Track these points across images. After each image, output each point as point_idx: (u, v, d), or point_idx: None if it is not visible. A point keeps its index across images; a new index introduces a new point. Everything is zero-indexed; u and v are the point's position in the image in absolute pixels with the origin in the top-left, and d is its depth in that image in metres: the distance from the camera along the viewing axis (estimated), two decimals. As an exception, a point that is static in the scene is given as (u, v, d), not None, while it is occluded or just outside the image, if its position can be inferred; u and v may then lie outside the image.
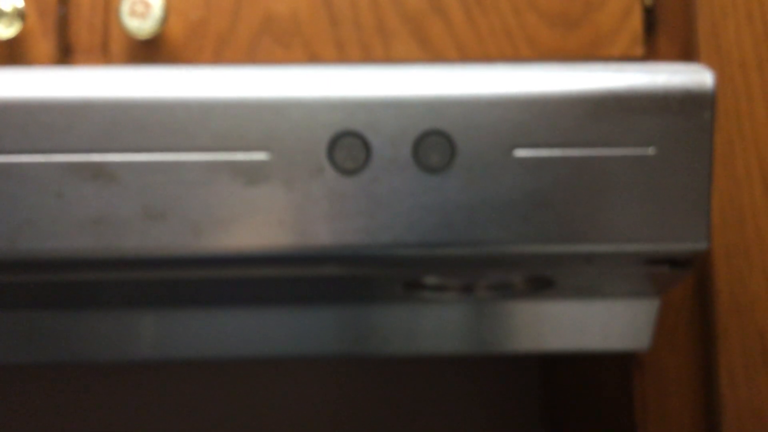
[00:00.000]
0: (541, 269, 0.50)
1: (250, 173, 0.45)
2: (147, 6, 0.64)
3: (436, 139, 0.46)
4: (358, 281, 0.52)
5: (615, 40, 0.67)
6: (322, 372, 0.97)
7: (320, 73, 0.46)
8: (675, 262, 0.50)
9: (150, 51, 0.67)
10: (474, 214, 0.46)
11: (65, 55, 0.67)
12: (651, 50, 0.68)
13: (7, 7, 0.63)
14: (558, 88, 0.46)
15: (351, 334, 0.63)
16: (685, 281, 0.62)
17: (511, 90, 0.46)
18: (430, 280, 0.54)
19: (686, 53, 0.68)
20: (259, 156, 0.45)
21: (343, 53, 0.66)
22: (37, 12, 0.66)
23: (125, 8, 0.64)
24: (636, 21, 0.67)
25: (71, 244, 0.44)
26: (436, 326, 0.63)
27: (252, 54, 0.66)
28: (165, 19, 0.64)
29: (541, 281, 0.55)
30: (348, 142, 0.45)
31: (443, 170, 0.46)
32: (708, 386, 0.66)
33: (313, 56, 0.67)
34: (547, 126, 0.46)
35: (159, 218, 0.44)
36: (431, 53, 0.66)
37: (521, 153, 0.46)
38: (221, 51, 0.66)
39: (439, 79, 0.46)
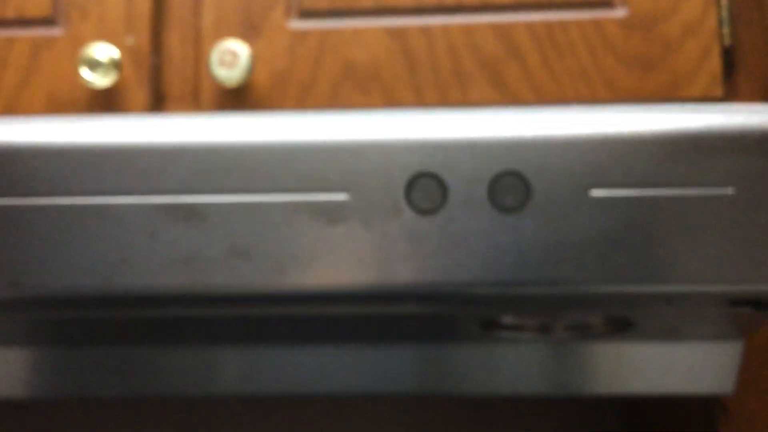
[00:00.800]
0: (619, 310, 0.50)
1: (330, 213, 0.46)
2: (235, 56, 0.67)
3: (511, 180, 0.46)
4: (436, 321, 0.53)
5: (693, 81, 0.67)
6: (401, 410, 0.98)
7: (397, 117, 0.47)
8: (757, 303, 0.49)
9: (238, 99, 0.70)
10: (549, 253, 0.46)
11: (158, 103, 0.71)
12: (730, 91, 0.67)
13: (104, 58, 0.67)
14: (633, 128, 0.47)
15: (430, 373, 0.64)
16: (770, 324, 0.61)
17: (585, 130, 0.47)
18: (508, 319, 0.54)
19: (767, 93, 0.67)
20: (339, 197, 0.46)
21: (420, 98, 0.68)
22: (133, 63, 0.70)
23: (215, 58, 0.67)
24: (715, 62, 0.67)
25: (163, 281, 0.47)
26: (515, 366, 0.64)
27: (333, 100, 0.69)
28: (251, 69, 0.67)
29: (621, 322, 0.55)
30: (425, 183, 0.46)
31: (518, 210, 0.46)
32: (797, 432, 0.64)
33: (391, 101, 0.69)
34: (623, 166, 0.46)
35: (244, 257, 0.46)
36: (507, 97, 0.68)
37: (597, 193, 0.46)
38: (304, 98, 0.69)
39: (513, 120, 0.47)
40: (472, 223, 0.46)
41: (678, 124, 0.46)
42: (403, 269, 0.46)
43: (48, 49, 0.70)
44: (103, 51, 0.67)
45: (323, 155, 0.46)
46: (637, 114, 0.47)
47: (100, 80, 0.67)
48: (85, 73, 0.67)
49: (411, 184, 0.47)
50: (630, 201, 0.46)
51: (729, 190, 0.46)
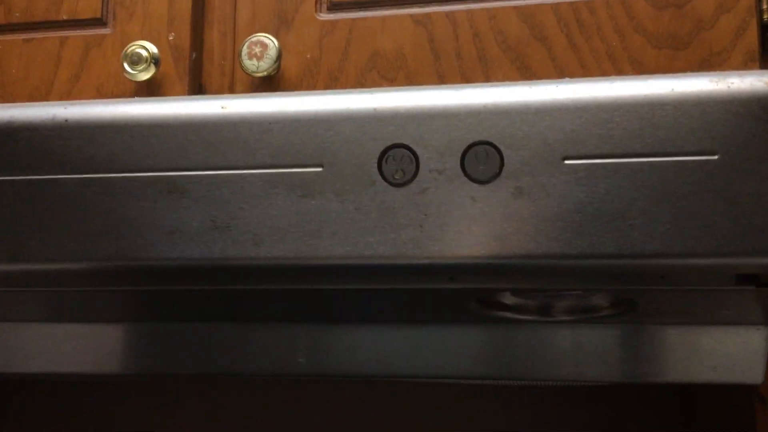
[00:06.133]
0: (617, 290, 0.48)
1: (305, 186, 0.47)
2: (264, 47, 0.70)
3: (484, 151, 0.46)
4: (423, 296, 0.52)
5: (728, 59, 0.64)
6: (463, 394, 0.97)
7: (371, 93, 0.48)
8: (757, 280, 0.46)
9: (269, 88, 0.72)
10: (523, 225, 0.45)
11: (198, 94, 0.74)
12: None
13: (145, 54, 0.71)
14: (609, 94, 0.45)
15: (493, 357, 0.64)
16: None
17: (558, 97, 0.46)
18: (504, 299, 0.54)
19: (805, 68, 0.63)
20: (314, 170, 0.47)
21: (444, 83, 0.68)
22: (173, 58, 0.73)
23: (244, 50, 0.70)
24: (752, 38, 0.63)
25: (152, 254, 0.49)
26: (575, 351, 0.62)
27: (360, 87, 0.70)
28: (280, 59, 0.69)
29: (623, 304, 0.53)
30: (397, 155, 0.47)
31: (491, 181, 0.46)
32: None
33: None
34: (599, 134, 0.45)
35: (224, 230, 0.48)
36: (531, 78, 0.66)
37: (572, 162, 0.45)
38: (332, 86, 0.70)
39: (485, 91, 0.46)
40: (444, 194, 0.46)
41: (656, 90, 0.45)
42: (375, 242, 0.46)
43: (97, 47, 0.74)
44: (145, 48, 0.71)
45: (298, 129, 0.47)
46: (616, 81, 0.46)
47: (141, 75, 0.71)
48: (127, 67, 0.71)
49: (383, 157, 0.47)
50: (607, 169, 0.45)
51: (713, 157, 0.44)
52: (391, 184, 0.47)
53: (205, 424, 1.01)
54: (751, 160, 0.43)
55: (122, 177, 0.48)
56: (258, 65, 0.69)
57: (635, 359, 0.61)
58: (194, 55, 0.73)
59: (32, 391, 1.08)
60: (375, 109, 0.47)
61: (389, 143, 0.47)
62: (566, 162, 0.45)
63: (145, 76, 0.71)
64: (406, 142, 0.47)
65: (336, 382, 0.99)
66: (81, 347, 0.74)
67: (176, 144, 0.48)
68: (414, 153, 0.47)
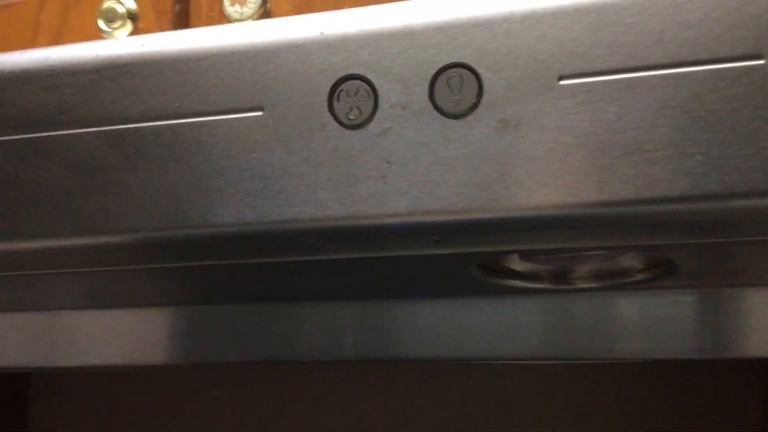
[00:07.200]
0: (625, 243, 0.37)
1: (244, 136, 0.38)
2: (248, -9, 0.61)
3: (458, 76, 0.36)
4: (421, 261, 0.43)
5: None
6: (521, 372, 0.87)
7: (319, 16, 0.38)
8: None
9: (260, 39, 0.63)
10: (510, 167, 0.35)
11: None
12: None
13: (121, 8, 0.63)
14: (617, -9, 0.34)
15: (553, 336, 0.54)
16: None
17: (550, 3, 0.35)
18: (512, 265, 0.43)
19: None
20: (253, 114, 0.38)
21: None
22: (155, 11, 0.65)
23: (226, -3, 0.61)
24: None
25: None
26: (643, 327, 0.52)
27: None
28: (266, 2, 0.60)
29: (659, 265, 0.42)
30: (351, 89, 0.37)
31: (469, 114, 0.36)
32: None
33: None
34: (606, 42, 0.34)
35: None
36: None
37: (571, 82, 0.35)
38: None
39: (454, 3, 0.36)
40: (411, 134, 0.36)
41: (677, -22, 0.34)
42: (329, 199, 0.37)
43: (75, 7, 0.67)
44: (120, 2, 0.63)
45: (231, 65, 0.38)
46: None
47: (117, 32, 0.63)
48: (102, 25, 0.64)
49: (334, 92, 0.37)
50: (616, 88, 0.34)
51: (759, 62, 0.33)
52: (345, 126, 0.37)
53: (253, 411, 0.95)
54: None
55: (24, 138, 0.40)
56: (242, 12, 0.61)
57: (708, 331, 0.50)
58: (178, 8, 0.65)
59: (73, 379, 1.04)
60: (322, 33, 0.38)
61: (340, 75, 0.37)
62: (563, 83, 0.35)
63: (122, 33, 0.63)
64: (361, 72, 0.37)
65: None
66: (126, 336, 0.69)
67: (92, 93, 0.40)
68: (371, 85, 0.37)
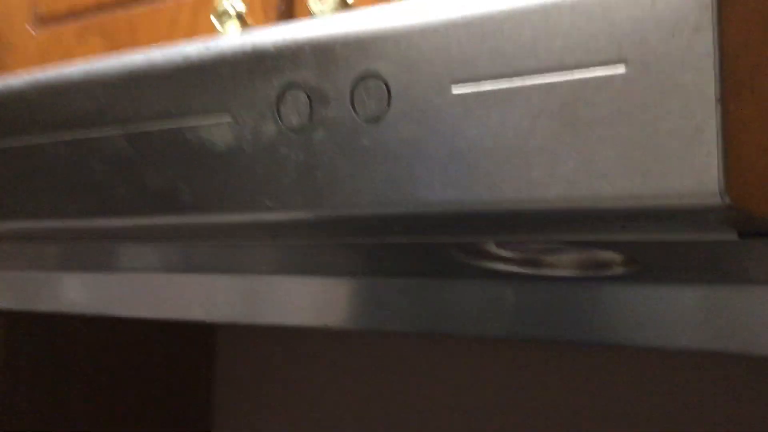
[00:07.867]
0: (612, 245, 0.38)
1: (215, 141, 0.44)
2: (328, -12, 0.66)
3: (372, 83, 0.39)
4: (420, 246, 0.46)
5: None
6: (557, 359, 0.85)
7: (277, 26, 0.43)
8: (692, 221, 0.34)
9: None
10: (410, 169, 0.38)
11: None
12: None
13: (231, 10, 0.71)
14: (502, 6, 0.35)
15: (581, 320, 0.56)
16: None
17: (451, 14, 0.37)
18: (490, 249, 0.45)
19: None
20: (223, 119, 0.44)
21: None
22: (262, 11, 0.73)
23: (311, -6, 0.67)
24: None
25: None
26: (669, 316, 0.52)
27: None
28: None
29: (625, 260, 0.42)
30: (293, 95, 0.41)
31: (380, 119, 0.39)
32: None
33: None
34: (488, 49, 0.35)
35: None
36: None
37: (461, 89, 0.36)
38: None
39: (367, 13, 0.39)
40: (337, 138, 0.40)
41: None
42: (293, 197, 0.42)
43: (204, 6, 0.76)
44: (230, 3, 0.71)
45: (201, 74, 0.44)
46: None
47: (228, 29, 0.71)
48: (217, 25, 0.72)
49: (281, 98, 0.42)
50: (498, 96, 0.35)
51: (620, 68, 0.32)
52: (290, 129, 0.42)
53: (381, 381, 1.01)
54: (663, 69, 0.31)
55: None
56: (322, 7, 0.66)
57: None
58: (282, 8, 0.72)
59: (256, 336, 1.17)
60: (274, 44, 0.42)
61: (284, 82, 0.42)
62: (455, 90, 0.36)
63: (232, 30, 0.71)
64: (299, 81, 0.41)
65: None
66: (307, 300, 0.77)
67: (85, 100, 0.48)
68: (307, 93, 0.41)
